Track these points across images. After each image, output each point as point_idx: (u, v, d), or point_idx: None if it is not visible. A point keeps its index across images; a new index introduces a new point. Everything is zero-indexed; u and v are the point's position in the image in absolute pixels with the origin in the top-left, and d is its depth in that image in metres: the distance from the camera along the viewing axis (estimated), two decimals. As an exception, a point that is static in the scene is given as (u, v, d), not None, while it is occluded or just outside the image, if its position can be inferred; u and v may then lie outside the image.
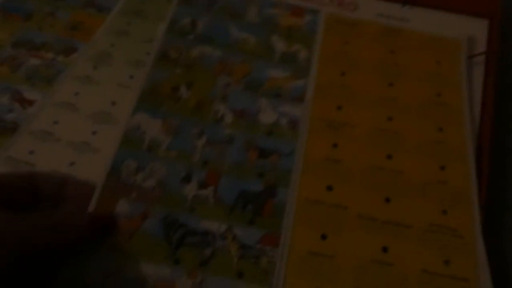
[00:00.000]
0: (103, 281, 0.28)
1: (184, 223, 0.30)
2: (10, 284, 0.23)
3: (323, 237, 0.30)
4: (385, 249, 0.30)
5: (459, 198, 0.32)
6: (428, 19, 0.42)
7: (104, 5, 0.45)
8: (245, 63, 0.38)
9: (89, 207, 0.29)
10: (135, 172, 0.32)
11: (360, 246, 0.30)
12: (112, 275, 0.28)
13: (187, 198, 0.31)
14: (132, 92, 0.35)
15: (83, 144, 0.34)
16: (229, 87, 0.36)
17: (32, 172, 0.28)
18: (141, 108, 0.34)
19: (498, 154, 0.36)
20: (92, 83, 0.38)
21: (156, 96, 0.35)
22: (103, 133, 0.35)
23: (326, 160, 0.34)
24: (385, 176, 0.33)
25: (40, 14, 0.44)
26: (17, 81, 0.39)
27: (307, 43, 0.40)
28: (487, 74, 0.39)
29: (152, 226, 0.30)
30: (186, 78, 0.36)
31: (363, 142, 0.35)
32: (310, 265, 0.29)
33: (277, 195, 0.32)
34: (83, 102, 0.37)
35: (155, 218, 0.30)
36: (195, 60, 0.38)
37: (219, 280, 0.28)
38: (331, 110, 0.36)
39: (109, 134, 0.34)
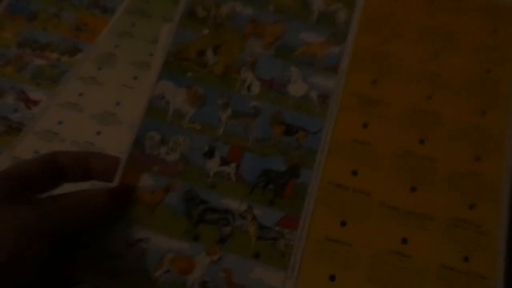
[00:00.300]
0: (125, 251, 0.29)
1: (205, 200, 0.31)
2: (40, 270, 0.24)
3: (343, 223, 0.30)
4: (404, 240, 0.30)
5: (489, 192, 0.31)
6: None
7: (108, 6, 0.45)
8: (278, 23, 0.35)
9: (114, 180, 0.30)
10: (159, 144, 0.31)
11: (379, 236, 0.30)
12: (133, 245, 0.29)
13: (209, 174, 0.31)
14: (136, 94, 0.34)
15: (88, 144, 0.35)
16: (259, 52, 0.34)
17: (52, 153, 0.28)
18: (165, 75, 0.33)
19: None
20: (97, 84, 0.39)
21: (181, 61, 0.33)
22: (107, 134, 0.35)
23: (353, 142, 0.32)
24: (414, 163, 0.32)
25: (45, 15, 0.45)
26: (22, 81, 0.40)
27: (348, 1, 0.36)
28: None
29: (174, 200, 0.30)
30: (213, 41, 0.34)
31: (395, 122, 0.33)
32: (326, 251, 0.30)
33: (300, 176, 0.31)
34: (88, 103, 0.38)
35: (177, 193, 0.31)
36: (224, 19, 0.35)
37: (236, 259, 0.29)
38: (366, 84, 0.34)
39: (113, 134, 0.35)
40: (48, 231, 0.25)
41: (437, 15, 0.36)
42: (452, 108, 0.33)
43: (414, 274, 0.29)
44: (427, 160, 0.32)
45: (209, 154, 0.31)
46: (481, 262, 0.30)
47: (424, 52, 0.35)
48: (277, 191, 0.31)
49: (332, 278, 0.29)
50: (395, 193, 0.31)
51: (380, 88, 0.34)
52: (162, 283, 0.29)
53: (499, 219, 0.30)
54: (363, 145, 0.32)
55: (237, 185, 0.31)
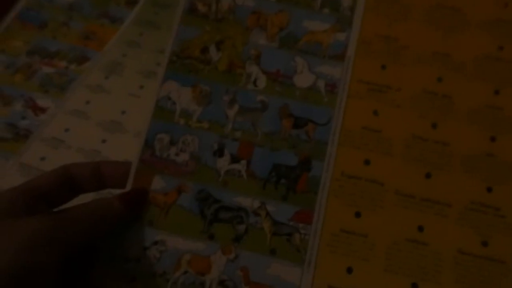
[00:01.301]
0: (142, 254, 0.30)
1: (217, 199, 0.31)
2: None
3: (357, 214, 0.30)
4: (420, 228, 0.30)
5: (507, 173, 0.30)
6: None
7: (117, 16, 0.45)
8: (281, 12, 0.35)
9: (127, 185, 0.30)
10: (168, 146, 0.31)
11: (394, 225, 0.30)
12: (150, 248, 0.30)
13: (220, 172, 0.31)
14: (142, 103, 0.34)
15: (93, 152, 0.35)
16: (263, 44, 0.34)
17: (64, 166, 0.28)
18: (170, 75, 0.33)
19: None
20: (103, 92, 0.39)
21: (185, 60, 0.33)
22: (112, 142, 0.35)
23: (364, 130, 0.32)
24: (427, 149, 0.31)
25: (55, 24, 0.45)
26: (31, 88, 0.41)
27: (352, -16, 0.35)
28: None
29: (187, 201, 0.31)
30: (216, 36, 0.34)
31: (407, 108, 0.32)
32: (342, 243, 0.30)
33: (312, 169, 0.31)
34: (94, 111, 0.38)
35: (189, 193, 0.31)
36: (225, 13, 0.34)
37: (252, 256, 0.29)
38: (374, 70, 0.33)
39: (119, 142, 0.35)
40: (62, 240, 0.25)
41: (444, -9, 0.35)
42: (464, 88, 0.32)
43: (431, 261, 0.29)
44: (441, 144, 0.31)
45: (219, 152, 0.31)
46: (501, 246, 0.29)
47: (433, 32, 0.34)
48: (290, 185, 0.31)
49: (349, 270, 0.29)
50: (410, 180, 0.31)
51: (389, 74, 0.33)
52: (181, 284, 0.29)
53: (517, 201, 0.30)
54: (374, 133, 0.32)
55: (248, 182, 0.31)
